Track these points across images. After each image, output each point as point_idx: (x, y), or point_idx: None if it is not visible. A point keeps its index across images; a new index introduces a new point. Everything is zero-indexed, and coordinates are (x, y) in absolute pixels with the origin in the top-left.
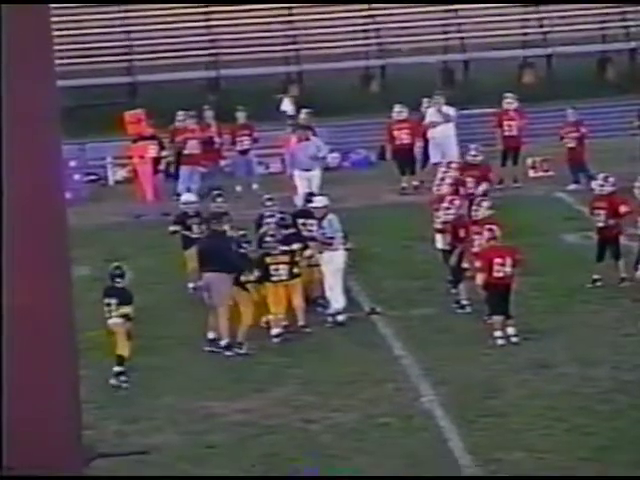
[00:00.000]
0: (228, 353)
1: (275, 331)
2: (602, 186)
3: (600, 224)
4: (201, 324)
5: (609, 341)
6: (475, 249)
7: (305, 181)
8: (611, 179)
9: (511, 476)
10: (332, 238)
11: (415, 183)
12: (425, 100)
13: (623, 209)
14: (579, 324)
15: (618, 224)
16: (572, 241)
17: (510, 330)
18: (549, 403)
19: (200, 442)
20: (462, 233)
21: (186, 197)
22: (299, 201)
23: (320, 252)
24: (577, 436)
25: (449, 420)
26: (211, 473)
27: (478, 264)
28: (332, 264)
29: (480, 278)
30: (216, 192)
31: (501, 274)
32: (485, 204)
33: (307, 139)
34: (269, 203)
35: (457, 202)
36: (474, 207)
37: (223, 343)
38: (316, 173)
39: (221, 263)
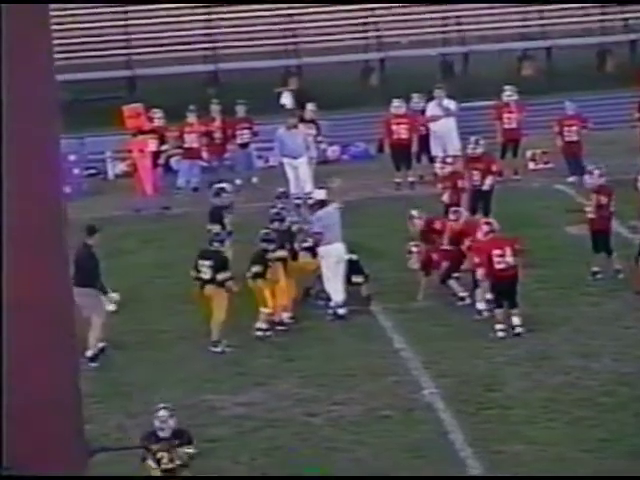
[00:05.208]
0: (93, 364)
1: (262, 325)
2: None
3: (591, 215)
4: (202, 318)
5: (610, 333)
6: (468, 244)
7: (292, 170)
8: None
9: (511, 476)
10: (319, 233)
11: (411, 179)
12: (415, 95)
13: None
14: (580, 316)
15: (608, 217)
16: (573, 233)
17: (515, 320)
18: (550, 395)
19: (202, 436)
20: (438, 225)
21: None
22: (294, 190)
23: (316, 245)
24: (578, 429)
25: (450, 413)
26: (213, 467)
27: (477, 259)
28: (329, 258)
29: (480, 273)
30: (219, 186)
31: (503, 265)
32: (463, 214)
33: (295, 127)
34: (281, 197)
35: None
36: (451, 216)
37: (89, 354)
38: (302, 161)
39: (83, 277)
